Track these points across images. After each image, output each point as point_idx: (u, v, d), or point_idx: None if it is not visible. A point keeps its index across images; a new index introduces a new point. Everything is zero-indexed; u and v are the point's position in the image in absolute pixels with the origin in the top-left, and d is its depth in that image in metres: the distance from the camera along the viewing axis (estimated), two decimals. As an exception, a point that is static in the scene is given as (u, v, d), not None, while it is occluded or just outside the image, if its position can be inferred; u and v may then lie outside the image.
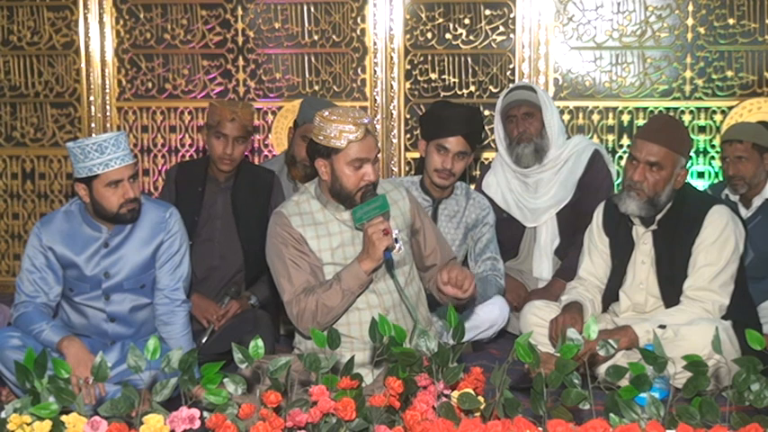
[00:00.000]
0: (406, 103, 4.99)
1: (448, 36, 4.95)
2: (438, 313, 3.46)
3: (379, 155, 2.98)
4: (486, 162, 4.91)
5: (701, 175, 4.87)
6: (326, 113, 2.90)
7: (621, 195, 3.36)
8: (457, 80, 4.97)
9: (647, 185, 3.27)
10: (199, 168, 4.00)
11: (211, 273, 3.91)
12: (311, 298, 2.88)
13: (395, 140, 5.01)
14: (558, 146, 4.21)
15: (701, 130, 4.86)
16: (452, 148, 3.73)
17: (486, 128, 4.91)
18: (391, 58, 4.96)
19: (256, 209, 3.91)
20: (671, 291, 3.36)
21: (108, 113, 5.16)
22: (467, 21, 4.94)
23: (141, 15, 5.12)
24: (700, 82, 4.83)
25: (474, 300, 3.61)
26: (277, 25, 5.05)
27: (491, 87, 4.95)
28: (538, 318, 3.47)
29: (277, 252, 2.97)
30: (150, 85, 5.15)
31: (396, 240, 2.89)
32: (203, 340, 3.69)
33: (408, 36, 4.96)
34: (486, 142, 4.94)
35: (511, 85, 4.63)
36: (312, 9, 5.03)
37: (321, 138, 2.89)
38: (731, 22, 4.78)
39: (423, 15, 4.95)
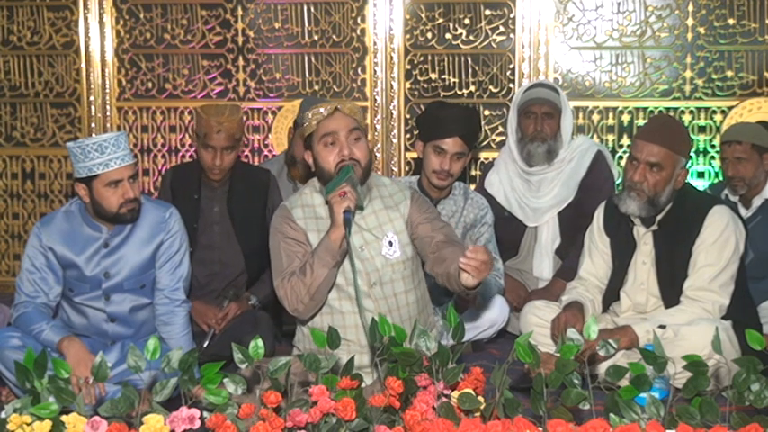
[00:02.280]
0: (406, 103, 4.99)
1: (448, 36, 4.95)
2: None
3: (358, 129, 2.94)
4: (485, 162, 4.91)
5: (701, 175, 4.87)
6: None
7: (622, 195, 3.35)
8: (457, 80, 4.97)
9: (647, 186, 3.27)
10: (193, 174, 3.93)
11: (213, 278, 3.88)
12: (293, 278, 2.91)
13: (395, 140, 5.01)
14: (565, 147, 4.21)
15: (701, 130, 4.86)
16: (449, 149, 3.72)
17: (487, 128, 4.92)
18: (391, 58, 4.96)
19: (254, 211, 3.89)
20: (671, 291, 3.36)
21: (108, 113, 5.16)
22: (467, 21, 4.93)
23: (141, 15, 5.12)
24: (700, 82, 4.83)
25: (475, 295, 3.60)
26: (277, 25, 5.05)
27: (491, 87, 4.95)
28: (538, 318, 3.47)
29: (275, 242, 3.03)
30: (150, 85, 5.15)
31: (390, 243, 2.90)
32: (205, 344, 3.67)
33: (408, 36, 4.96)
34: (485, 142, 4.94)
35: (534, 81, 4.62)
36: (312, 9, 5.03)
37: (305, 133, 2.99)
38: (731, 22, 4.77)
39: (423, 15, 4.95)
